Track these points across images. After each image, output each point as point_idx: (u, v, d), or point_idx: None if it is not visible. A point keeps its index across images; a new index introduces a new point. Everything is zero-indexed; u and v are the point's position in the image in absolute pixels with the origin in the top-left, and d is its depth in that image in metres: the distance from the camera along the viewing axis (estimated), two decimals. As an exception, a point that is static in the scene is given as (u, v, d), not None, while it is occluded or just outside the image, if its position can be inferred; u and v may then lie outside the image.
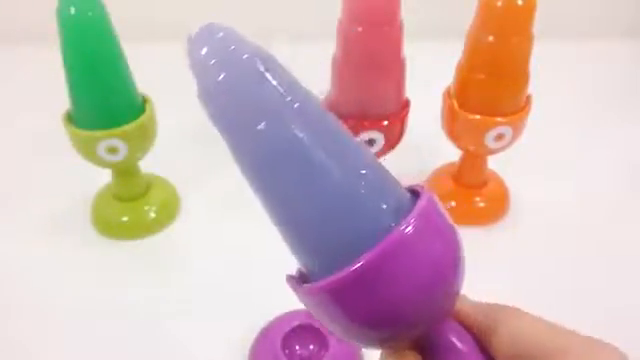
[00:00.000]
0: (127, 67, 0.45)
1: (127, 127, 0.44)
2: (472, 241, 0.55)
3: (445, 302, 0.20)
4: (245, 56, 0.21)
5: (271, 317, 0.40)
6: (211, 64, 0.21)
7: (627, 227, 0.51)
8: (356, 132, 0.44)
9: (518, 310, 0.21)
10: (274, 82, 0.20)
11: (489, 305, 0.22)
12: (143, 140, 0.47)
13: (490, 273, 0.47)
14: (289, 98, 0.20)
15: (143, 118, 0.46)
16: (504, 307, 0.22)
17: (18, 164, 0.61)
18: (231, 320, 0.42)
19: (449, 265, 0.20)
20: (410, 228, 0.19)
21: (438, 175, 0.56)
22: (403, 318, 0.19)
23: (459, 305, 0.22)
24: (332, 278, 0.19)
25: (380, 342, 0.21)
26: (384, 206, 0.20)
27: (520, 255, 0.49)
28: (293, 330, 0.38)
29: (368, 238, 0.19)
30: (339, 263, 0.19)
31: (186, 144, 0.63)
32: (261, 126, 0.20)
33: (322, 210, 0.20)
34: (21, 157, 0.62)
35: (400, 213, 0.19)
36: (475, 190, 0.53)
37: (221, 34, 0.21)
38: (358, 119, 0.44)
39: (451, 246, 0.20)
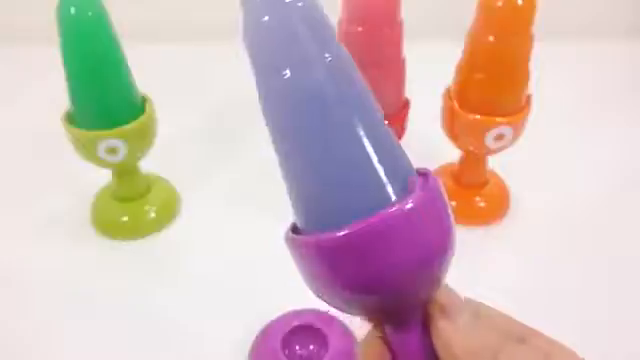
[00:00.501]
0: (127, 67, 0.45)
1: (127, 127, 0.44)
2: (472, 241, 0.55)
3: (425, 287, 0.20)
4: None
5: (271, 317, 0.40)
6: (258, 3, 0.21)
7: (627, 227, 0.51)
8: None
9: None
10: (312, 31, 0.21)
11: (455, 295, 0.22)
12: (143, 140, 0.47)
13: (490, 273, 0.48)
14: (323, 50, 0.20)
15: (143, 118, 0.46)
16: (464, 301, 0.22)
17: (18, 164, 0.61)
18: (231, 320, 0.42)
19: (438, 250, 0.20)
20: (410, 206, 0.19)
21: (438, 175, 0.55)
22: (379, 290, 0.19)
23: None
24: (322, 236, 0.19)
25: (354, 308, 0.21)
26: (392, 179, 0.20)
27: (520, 255, 0.49)
28: (293, 330, 0.38)
29: (370, 206, 0.19)
30: (334, 223, 0.19)
31: (186, 144, 0.63)
32: (288, 72, 0.20)
33: (332, 168, 0.20)
34: (21, 157, 0.62)
35: (405, 190, 0.20)
36: (475, 190, 0.53)
37: None
38: (358, 119, 0.44)
39: (444, 233, 0.20)
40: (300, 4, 0.21)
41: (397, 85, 0.45)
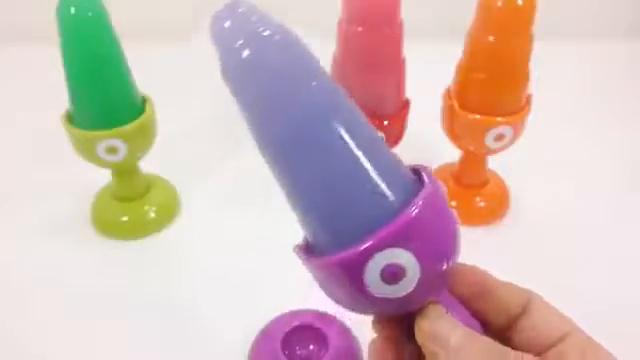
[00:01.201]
0: (127, 67, 0.45)
1: (127, 127, 0.44)
2: (472, 241, 0.55)
3: (442, 275, 0.21)
4: (267, 33, 0.21)
5: (271, 317, 0.40)
6: (233, 40, 0.21)
7: (627, 227, 0.51)
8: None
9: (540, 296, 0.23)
10: (293, 60, 0.21)
11: (515, 286, 0.23)
12: (143, 140, 0.47)
13: (490, 273, 0.47)
14: (307, 78, 0.21)
15: (143, 118, 0.46)
16: (529, 291, 0.23)
17: (18, 164, 0.61)
18: (231, 320, 0.42)
19: (449, 242, 0.21)
20: (417, 210, 0.19)
21: (438, 175, 0.56)
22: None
23: (491, 281, 0.23)
24: (341, 254, 0.20)
25: (380, 312, 0.22)
26: (394, 187, 0.20)
27: (520, 255, 0.49)
28: (293, 330, 0.38)
29: (379, 217, 0.19)
30: (347, 239, 0.20)
31: (186, 144, 0.63)
32: (279, 105, 0.20)
33: (336, 185, 0.20)
34: (21, 157, 0.62)
35: (408, 194, 0.20)
36: (475, 190, 0.53)
37: (244, 9, 0.21)
38: (358, 119, 0.44)
39: (450, 225, 0.21)
40: (277, 37, 0.21)
41: (397, 85, 0.45)
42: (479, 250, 0.49)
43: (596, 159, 0.60)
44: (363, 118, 0.22)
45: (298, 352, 0.38)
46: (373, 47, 0.42)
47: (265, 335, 0.39)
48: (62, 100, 0.45)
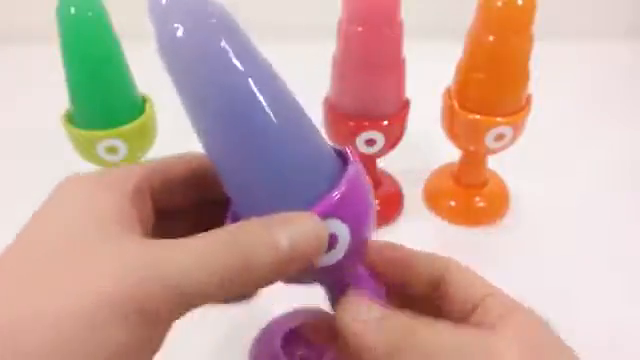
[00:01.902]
0: (127, 67, 0.45)
1: (127, 127, 0.44)
2: (472, 241, 0.55)
3: (364, 244, 0.23)
4: (203, 13, 0.20)
5: (271, 317, 0.40)
6: (168, 18, 0.21)
7: (627, 227, 0.51)
8: (356, 132, 0.45)
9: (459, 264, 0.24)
10: (228, 43, 0.21)
11: (434, 255, 0.24)
12: (143, 140, 0.47)
13: (490, 273, 0.47)
14: (240, 62, 0.20)
15: (143, 118, 0.46)
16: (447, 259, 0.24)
17: (18, 164, 0.61)
18: (231, 320, 0.42)
19: (367, 222, 0.22)
20: (339, 195, 0.20)
21: (438, 175, 0.56)
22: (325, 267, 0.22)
23: (411, 253, 0.25)
24: None
25: (299, 280, 0.24)
26: (318, 172, 0.21)
27: (520, 255, 0.49)
28: (293, 330, 0.38)
29: (302, 201, 0.20)
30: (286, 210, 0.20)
31: (186, 144, 0.63)
32: (210, 85, 0.20)
33: (261, 170, 0.21)
34: (21, 157, 0.62)
35: (330, 179, 0.21)
36: (475, 190, 0.53)
37: None
38: (358, 119, 0.44)
39: (368, 207, 0.22)
40: (213, 20, 0.20)
41: (397, 85, 0.45)
42: (479, 250, 0.50)
43: (596, 159, 0.60)
44: (293, 99, 0.22)
45: (298, 352, 0.38)
46: (373, 47, 0.42)
47: (265, 335, 0.39)
48: (62, 100, 0.45)
